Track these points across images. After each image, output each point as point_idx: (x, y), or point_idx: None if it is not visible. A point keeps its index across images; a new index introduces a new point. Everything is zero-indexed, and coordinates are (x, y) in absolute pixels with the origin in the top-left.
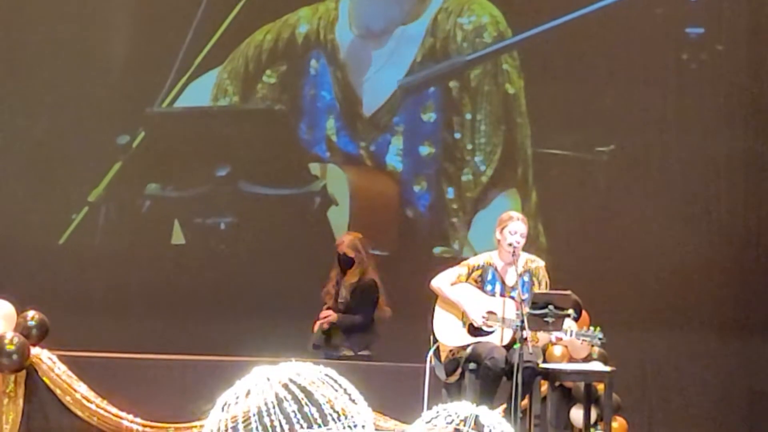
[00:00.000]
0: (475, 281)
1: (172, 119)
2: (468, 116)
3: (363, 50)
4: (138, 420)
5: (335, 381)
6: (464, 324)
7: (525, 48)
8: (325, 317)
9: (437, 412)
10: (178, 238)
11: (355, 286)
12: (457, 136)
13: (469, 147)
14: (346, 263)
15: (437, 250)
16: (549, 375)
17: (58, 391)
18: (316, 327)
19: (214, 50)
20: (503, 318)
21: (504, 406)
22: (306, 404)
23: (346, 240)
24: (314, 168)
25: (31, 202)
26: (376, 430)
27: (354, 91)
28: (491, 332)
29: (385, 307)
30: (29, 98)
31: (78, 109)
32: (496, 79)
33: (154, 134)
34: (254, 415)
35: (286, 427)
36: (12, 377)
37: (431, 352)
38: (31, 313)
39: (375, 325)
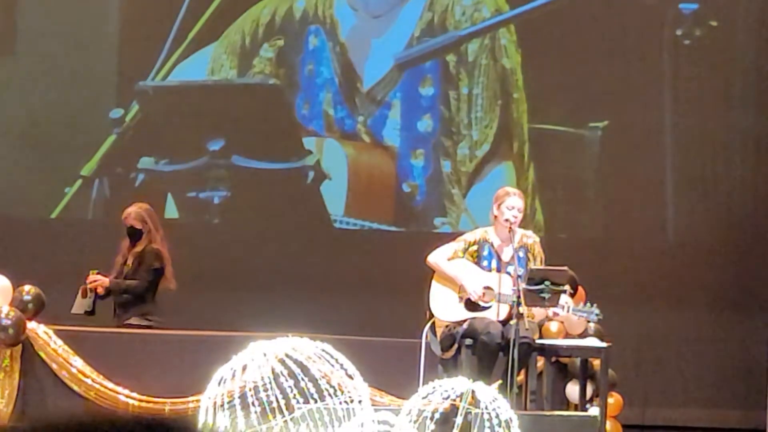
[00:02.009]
0: (472, 256)
1: (165, 93)
2: (465, 90)
3: (362, 26)
4: (134, 395)
5: (332, 356)
6: (461, 299)
7: (521, 24)
8: (94, 281)
9: (433, 387)
10: (171, 212)
11: (137, 254)
12: (454, 110)
13: (466, 121)
14: (134, 235)
15: (437, 221)
16: (545, 350)
17: (54, 366)
18: (86, 292)
19: (210, 25)
20: (499, 293)
21: (500, 381)
22: (302, 379)
23: (132, 212)
24: (308, 142)
25: (24, 177)
26: (372, 405)
27: (352, 66)
28: (488, 308)
29: (171, 279)
30: (22, 73)
31: (71, 83)
32: (494, 53)
33: (147, 108)
34: (250, 390)
35: (282, 402)
36: (8, 352)
37: (427, 328)
38: (27, 288)
39: (156, 296)
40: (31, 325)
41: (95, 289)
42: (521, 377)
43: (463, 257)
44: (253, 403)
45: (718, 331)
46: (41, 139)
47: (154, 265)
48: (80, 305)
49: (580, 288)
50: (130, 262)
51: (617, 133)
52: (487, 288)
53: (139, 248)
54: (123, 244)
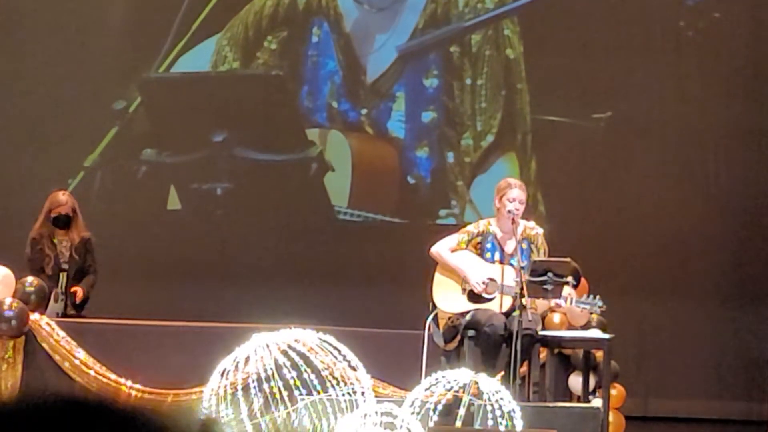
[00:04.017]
0: (475, 248)
1: (169, 84)
2: (468, 81)
3: (366, 18)
4: (137, 386)
5: (334, 347)
6: (464, 291)
7: (524, 15)
8: (74, 289)
9: (436, 379)
10: (174, 203)
11: (79, 244)
12: (458, 101)
13: (470, 112)
14: (65, 223)
15: (443, 212)
16: (548, 342)
17: (57, 357)
18: (57, 297)
19: (213, 17)
20: (502, 285)
21: (503, 373)
22: (305, 371)
23: (68, 201)
24: (312, 134)
25: (27, 167)
26: (375, 396)
27: (356, 58)
28: (491, 299)
29: None
30: (25, 63)
31: (74, 74)
32: (497, 44)
33: (150, 99)
34: (253, 381)
35: (285, 393)
36: (11, 343)
37: (430, 319)
38: (29, 279)
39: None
40: (34, 316)
41: (71, 293)
42: (524, 369)
43: (466, 249)
44: (256, 395)
45: (721, 323)
46: (44, 130)
47: (94, 251)
48: (52, 309)
49: (582, 279)
50: (69, 253)
51: (620, 125)
52: (490, 279)
53: (75, 237)
54: (37, 234)
